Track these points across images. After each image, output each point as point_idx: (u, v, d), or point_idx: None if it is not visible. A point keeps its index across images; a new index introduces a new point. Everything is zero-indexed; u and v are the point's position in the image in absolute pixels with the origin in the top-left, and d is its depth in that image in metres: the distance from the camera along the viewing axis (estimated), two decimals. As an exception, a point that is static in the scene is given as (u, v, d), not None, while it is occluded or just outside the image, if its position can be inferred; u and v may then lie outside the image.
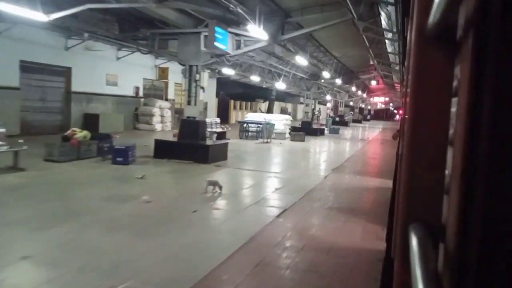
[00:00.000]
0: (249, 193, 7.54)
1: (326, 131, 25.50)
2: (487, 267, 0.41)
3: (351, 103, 54.93)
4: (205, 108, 11.14)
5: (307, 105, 25.94)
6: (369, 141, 22.41)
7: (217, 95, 31.08)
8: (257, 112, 34.25)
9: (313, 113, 46.57)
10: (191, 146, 10.34)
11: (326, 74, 21.72)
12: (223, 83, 32.01)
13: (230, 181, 8.30)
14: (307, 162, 13.05)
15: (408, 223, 0.62)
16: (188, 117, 11.03)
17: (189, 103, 10.98)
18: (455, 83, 0.57)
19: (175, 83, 23.13)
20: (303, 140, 18.27)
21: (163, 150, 10.40)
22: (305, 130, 21.47)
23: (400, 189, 0.69)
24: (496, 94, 0.40)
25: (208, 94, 25.49)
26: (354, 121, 47.97)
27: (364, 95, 44.82)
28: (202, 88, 11.24)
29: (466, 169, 0.44)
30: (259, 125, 17.49)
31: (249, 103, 38.26)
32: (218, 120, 17.31)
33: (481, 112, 0.41)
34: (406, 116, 0.84)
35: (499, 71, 0.39)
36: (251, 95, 38.63)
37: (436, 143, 0.60)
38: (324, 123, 33.38)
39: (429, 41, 0.58)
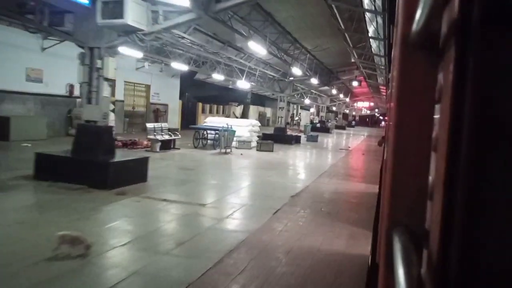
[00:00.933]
0: (137, 255, 4.49)
1: (303, 139, 24.33)
2: (469, 273, 0.41)
3: (334, 108, 53.85)
4: (113, 110, 8.68)
5: (280, 108, 23.66)
6: (351, 150, 20.89)
7: (182, 96, 28.78)
8: (231, 116, 32.70)
9: (292, 119, 44.53)
10: (86, 163, 7.70)
11: (296, 71, 19.57)
12: (192, 84, 29.93)
13: (120, 228, 5.38)
14: (262, 183, 9.72)
15: (391, 228, 0.63)
16: (86, 121, 8.40)
17: (89, 101, 8.39)
18: (438, 90, 0.58)
19: (126, 81, 21.14)
20: (271, 150, 16.55)
21: (48, 168, 7.81)
22: (277, 138, 20.20)
23: (384, 195, 0.70)
24: (478, 100, 0.40)
25: (169, 96, 24.96)
26: (338, 127, 47.35)
27: (347, 100, 42.99)
28: (109, 80, 8.71)
29: (449, 175, 0.45)
30: (217, 131, 15.45)
31: (221, 107, 36.71)
32: (166, 125, 15.44)
33: (463, 118, 0.42)
34: (390, 122, 0.85)
35: (480, 78, 0.40)
36: (224, 98, 36.44)
37: (420, 149, 0.61)
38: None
39: (413, 49, 0.59)
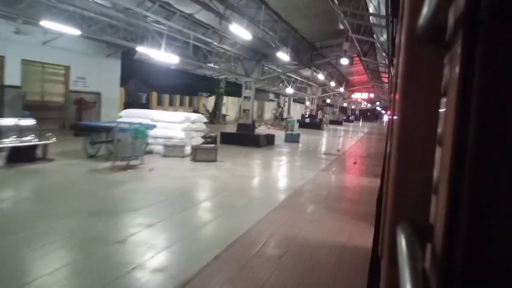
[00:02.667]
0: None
1: (281, 139, 18.41)
2: (474, 267, 0.42)
3: (329, 101, 47.56)
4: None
5: (246, 98, 16.97)
6: (339, 156, 14.80)
7: (126, 83, 22.41)
8: (200, 110, 28.15)
9: (281, 114, 39.42)
10: None
11: (282, 55, 14.12)
12: (145, 70, 23.98)
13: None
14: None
15: (396, 222, 0.63)
16: None
17: None
18: (444, 83, 0.58)
19: (26, 60, 15.16)
20: (214, 160, 10.80)
21: None
22: (241, 138, 15.34)
23: (389, 189, 0.70)
24: (484, 94, 0.40)
25: (102, 82, 18.30)
26: (333, 122, 41.06)
27: (341, 90, 34.86)
28: None
29: (454, 169, 0.45)
30: (124, 130, 9.53)
31: (187, 98, 31.08)
32: (31, 122, 9.39)
33: (469, 112, 0.42)
34: (395, 116, 0.85)
35: (487, 71, 0.40)
36: (193, 87, 30.31)
37: (425, 143, 0.61)
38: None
39: (418, 42, 0.59)
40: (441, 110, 0.60)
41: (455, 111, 0.47)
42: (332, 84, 28.90)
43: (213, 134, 13.66)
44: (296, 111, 48.40)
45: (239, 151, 13.60)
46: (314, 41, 17.48)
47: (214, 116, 28.39)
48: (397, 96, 0.74)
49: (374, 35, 14.04)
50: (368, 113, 73.24)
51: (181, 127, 11.77)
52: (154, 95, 26.60)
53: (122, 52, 19.11)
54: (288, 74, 25.60)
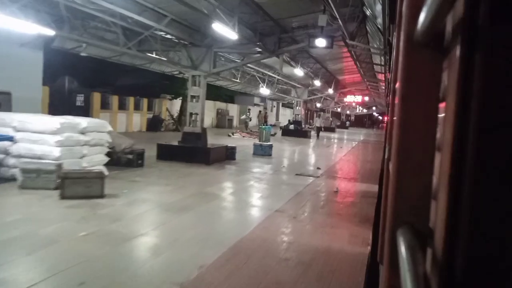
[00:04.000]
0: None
1: (249, 151, 15.39)
2: (475, 272, 0.42)
3: (319, 105, 42.39)
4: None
5: (194, 99, 12.87)
6: (318, 178, 10.62)
7: (54, 81, 18.20)
8: (163, 115, 24.83)
9: (265, 119, 33.85)
10: None
11: (223, 30, 9.72)
12: (90, 67, 20.50)
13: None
14: None
15: (396, 227, 0.63)
16: None
17: None
18: (442, 89, 0.58)
19: None
20: (100, 195, 6.65)
21: None
22: (186, 152, 11.59)
23: (388, 194, 0.70)
24: (483, 99, 0.41)
25: (15, 77, 13.44)
26: (325, 129, 36.40)
27: (330, 91, 29.38)
28: None
29: (454, 173, 0.46)
30: None
31: (145, 100, 24.19)
32: None
33: (468, 117, 0.42)
34: (394, 121, 0.86)
35: (486, 77, 0.40)
36: (153, 88, 25.62)
37: (424, 148, 0.61)
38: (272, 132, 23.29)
39: (417, 48, 0.60)
40: (440, 115, 0.60)
41: (454, 116, 0.47)
42: (317, 83, 24.05)
43: (139, 148, 10.14)
44: (286, 117, 44.66)
45: (173, 173, 9.65)
46: (281, 17, 11.92)
47: (180, 122, 24.17)
48: (395, 101, 0.75)
49: (366, 9, 9.96)
50: (365, 119, 69.50)
51: (55, 139, 7.50)
52: (97, 96, 20.22)
53: (45, 42, 14.31)
54: (262, 71, 21.49)
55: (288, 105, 47.41)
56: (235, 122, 33.85)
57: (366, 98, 40.26)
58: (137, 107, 23.38)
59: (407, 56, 0.63)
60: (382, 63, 15.22)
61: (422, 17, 0.53)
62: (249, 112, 30.99)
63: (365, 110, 62.22)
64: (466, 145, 0.44)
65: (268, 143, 15.58)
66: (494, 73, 0.41)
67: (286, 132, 27.22)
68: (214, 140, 19.15)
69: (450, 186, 0.48)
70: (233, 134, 23.59)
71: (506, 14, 0.40)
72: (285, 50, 13.98)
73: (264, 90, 26.41)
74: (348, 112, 57.64)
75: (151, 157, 11.24)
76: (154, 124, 23.53)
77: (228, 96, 35.29)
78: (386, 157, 2.13)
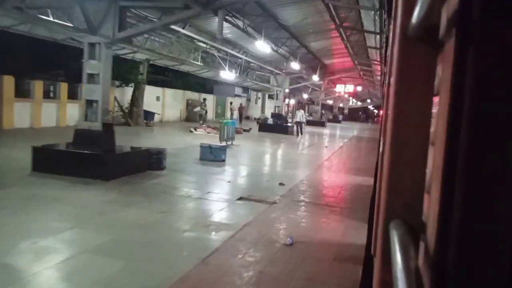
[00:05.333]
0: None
1: (195, 155, 11.15)
2: (467, 265, 0.42)
3: (305, 96, 37.59)
4: None
5: (91, 78, 8.50)
6: (271, 208, 6.61)
7: None
8: (108, 105, 16.02)
9: (242, 112, 28.21)
10: None
11: None
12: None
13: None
14: None
15: (389, 220, 0.63)
16: None
17: None
18: (436, 83, 0.58)
19: None
20: None
21: None
22: (77, 159, 7.90)
23: (381, 187, 0.71)
24: (477, 93, 0.41)
25: None
26: (313, 123, 32.76)
27: (315, 78, 24.54)
28: None
29: (447, 168, 0.46)
30: None
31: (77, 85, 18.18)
32: None
33: (461, 111, 0.42)
34: (388, 114, 0.86)
35: (480, 71, 0.40)
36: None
37: (418, 142, 0.62)
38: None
39: (412, 41, 0.60)
40: (434, 109, 0.60)
41: (448, 110, 0.47)
42: (295, 66, 19.47)
43: None
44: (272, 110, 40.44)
45: (48, 194, 6.34)
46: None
47: (131, 115, 20.00)
48: (390, 95, 0.75)
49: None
50: (360, 113, 64.96)
51: None
52: (9, 81, 14.99)
53: None
54: (219, 47, 16.75)
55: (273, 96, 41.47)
56: (210, 115, 28.36)
57: (359, 88, 35.07)
58: (73, 96, 18.12)
59: (402, 50, 0.63)
60: (378, 46, 13.46)
61: (416, 11, 0.53)
62: (204, 102, 23.56)
63: (359, 103, 58.49)
64: (459, 139, 0.44)
65: (224, 144, 11.92)
66: (487, 67, 0.41)
67: (264, 127, 22.48)
68: (165, 137, 15.89)
69: (442, 181, 0.48)
70: (195, 129, 19.23)
71: (499, 8, 0.40)
72: (225, 2, 9.27)
73: (227, 74, 21.07)
74: (341, 105, 53.88)
75: (22, 169, 7.73)
76: (96, 117, 19.42)
77: (200, 84, 31.18)
78: (380, 151, 2.13)
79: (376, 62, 19.75)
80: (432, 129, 0.60)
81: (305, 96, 37.61)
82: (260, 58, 20.38)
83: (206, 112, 24.02)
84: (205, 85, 32.24)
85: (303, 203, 7.14)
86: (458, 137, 0.44)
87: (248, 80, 27.08)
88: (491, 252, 0.43)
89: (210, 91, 32.55)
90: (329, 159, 13.91)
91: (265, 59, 20.83)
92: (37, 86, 16.54)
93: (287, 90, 27.70)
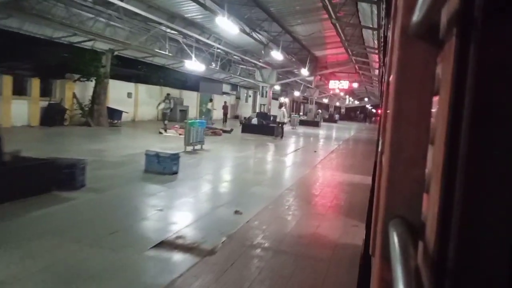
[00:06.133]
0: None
1: (138, 167, 8.76)
2: (466, 264, 0.42)
3: (297, 94, 35.31)
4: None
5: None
6: (202, 266, 3.86)
7: None
8: (65, 102, 16.82)
9: (225, 110, 24.24)
10: None
11: None
12: None
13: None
14: None
15: (388, 219, 0.63)
16: None
17: None
18: (436, 82, 0.58)
19: None
20: None
21: None
22: None
23: (381, 186, 0.71)
24: (477, 92, 0.41)
25: None
26: (306, 123, 31.07)
27: (304, 71, 21.75)
28: None
29: (446, 167, 0.46)
30: None
31: (38, 80, 16.40)
32: None
33: (461, 110, 0.42)
34: (388, 113, 0.86)
35: (480, 70, 0.40)
36: (51, 64, 18.36)
37: (417, 141, 0.62)
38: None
39: (412, 40, 0.60)
40: (434, 108, 0.60)
41: (447, 109, 0.47)
42: (276, 55, 16.87)
43: None
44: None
45: None
46: None
47: (91, 115, 17.35)
48: (390, 94, 0.75)
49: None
50: (357, 112, 62.34)
51: None
52: None
53: None
54: (182, 31, 14.34)
55: (275, 96, 36.44)
56: (193, 114, 25.15)
57: (355, 85, 31.21)
58: (21, 91, 15.69)
59: (402, 49, 0.63)
60: (375, 26, 11.24)
61: (417, 9, 0.53)
62: (168, 99, 18.80)
63: (356, 102, 56.42)
64: (459, 138, 0.44)
65: (174, 152, 8.76)
66: (488, 66, 0.41)
67: (247, 128, 19.98)
68: (125, 139, 13.91)
69: (442, 180, 0.48)
70: (165, 131, 16.65)
71: (500, 7, 0.40)
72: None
73: (193, 65, 17.66)
74: (337, 103, 51.71)
75: None
76: (50, 116, 16.08)
77: (179, 80, 28.35)
78: (379, 149, 2.14)
79: (372, 51, 16.76)
80: (432, 128, 0.60)
81: (297, 94, 35.22)
82: (237, 47, 17.76)
83: (171, 110, 18.90)
84: (185, 81, 29.06)
85: (259, 250, 4.45)
86: (458, 136, 0.44)
87: (232, 75, 24.51)
88: (490, 251, 0.43)
89: (195, 88, 29.52)
90: (315, 168, 10.93)
91: (244, 48, 17.94)
92: (5, 81, 14.74)
93: (276, 87, 25.29)
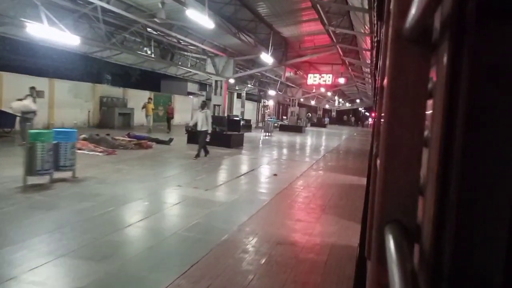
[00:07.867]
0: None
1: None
2: (462, 267, 0.42)
3: (272, 93, 29.43)
4: None
5: None
6: None
7: None
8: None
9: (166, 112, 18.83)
10: None
11: None
12: None
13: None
14: None
15: (383, 223, 0.63)
16: None
17: None
18: (430, 85, 0.59)
19: None
20: None
21: None
22: None
23: (376, 190, 0.71)
24: (471, 96, 0.41)
25: None
26: (288, 128, 28.09)
27: (267, 58, 14.60)
28: None
29: (441, 170, 0.46)
30: None
31: None
32: None
33: (456, 113, 0.42)
34: (382, 117, 0.86)
35: (473, 73, 0.41)
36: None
37: (412, 144, 0.62)
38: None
39: (405, 44, 0.60)
40: (428, 111, 0.60)
41: (442, 113, 0.48)
42: (206, 22, 9.32)
43: None
44: (249, 112, 32.22)
45: None
46: None
47: None
48: (383, 98, 0.75)
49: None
50: (350, 115, 58.94)
51: None
52: None
53: None
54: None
55: (253, 98, 33.49)
56: (138, 118, 20.63)
57: (342, 80, 22.95)
58: None
59: (396, 52, 0.63)
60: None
61: (411, 13, 0.53)
62: (31, 94, 11.82)
63: (348, 104, 50.97)
64: (453, 141, 0.44)
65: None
66: (481, 69, 0.42)
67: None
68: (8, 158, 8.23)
69: (437, 183, 0.48)
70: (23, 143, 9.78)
71: (493, 11, 0.41)
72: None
73: (47, 32, 10.46)
74: (327, 106, 47.13)
75: None
76: None
77: (125, 76, 23.18)
78: (374, 153, 2.15)
79: (363, 30, 12.24)
80: (426, 132, 0.60)
81: (272, 93, 28.89)
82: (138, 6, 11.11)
83: (36, 114, 11.54)
84: (141, 79, 24.28)
85: None
86: (452, 139, 0.44)
87: (180, 67, 18.75)
88: (486, 254, 0.43)
89: (156, 88, 25.16)
90: (253, 223, 5.44)
91: (152, 12, 10.91)
92: None
93: (231, 81, 18.90)
